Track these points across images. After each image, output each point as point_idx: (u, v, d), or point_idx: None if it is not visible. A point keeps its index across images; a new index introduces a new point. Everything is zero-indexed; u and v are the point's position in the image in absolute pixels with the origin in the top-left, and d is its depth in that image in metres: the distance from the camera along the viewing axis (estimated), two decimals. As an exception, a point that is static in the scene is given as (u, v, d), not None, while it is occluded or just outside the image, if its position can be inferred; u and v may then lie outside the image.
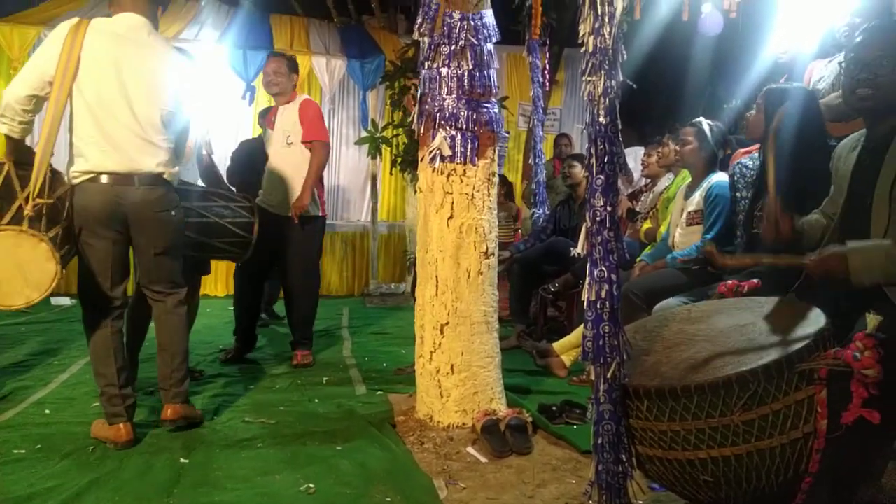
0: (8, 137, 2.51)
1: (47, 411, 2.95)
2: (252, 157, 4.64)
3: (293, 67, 4.04)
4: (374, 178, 7.43)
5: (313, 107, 4.01)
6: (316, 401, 3.22)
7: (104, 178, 2.51)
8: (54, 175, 2.53)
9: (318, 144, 3.89)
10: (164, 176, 2.63)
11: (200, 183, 3.67)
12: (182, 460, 2.43)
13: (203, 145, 3.77)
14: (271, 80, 3.95)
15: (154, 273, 2.70)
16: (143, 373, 3.38)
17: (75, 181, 2.53)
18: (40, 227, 2.36)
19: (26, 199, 2.39)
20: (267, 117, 4.16)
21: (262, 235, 3.46)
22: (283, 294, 4.16)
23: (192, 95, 2.78)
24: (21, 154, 2.52)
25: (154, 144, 2.59)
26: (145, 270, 2.70)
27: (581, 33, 1.83)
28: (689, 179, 3.59)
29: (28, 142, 2.62)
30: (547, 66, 5.70)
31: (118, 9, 2.63)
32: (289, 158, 3.90)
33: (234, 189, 4.04)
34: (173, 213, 2.68)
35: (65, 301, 5.92)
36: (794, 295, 2.00)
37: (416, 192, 5.84)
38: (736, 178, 3.09)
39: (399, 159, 6.28)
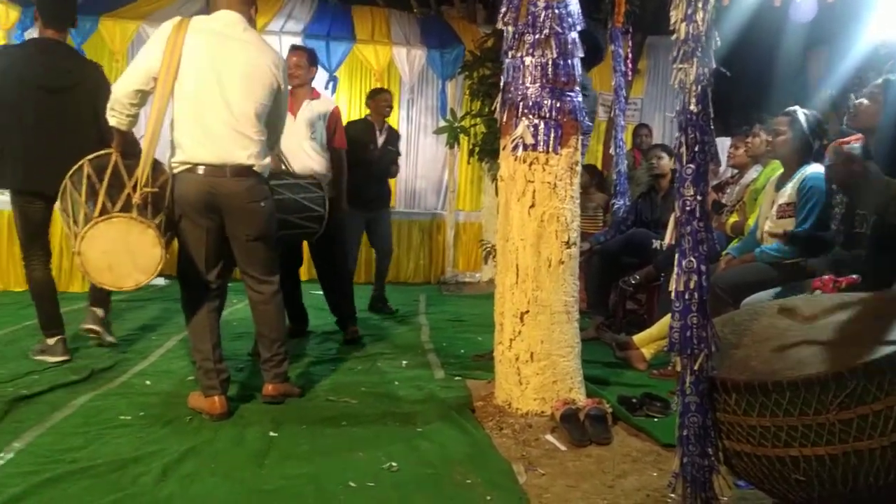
0: (116, 130, 2.68)
1: (148, 382, 3.14)
2: (356, 140, 4.72)
3: (313, 61, 4.20)
4: (451, 168, 7.48)
5: (341, 116, 4.34)
6: (396, 383, 3.30)
7: (199, 169, 2.63)
8: (156, 165, 2.69)
9: (343, 152, 4.27)
10: (255, 168, 2.71)
11: None
12: (271, 433, 2.55)
13: None
14: (292, 72, 3.95)
15: (248, 259, 2.82)
16: (232, 349, 3.56)
17: (174, 171, 2.67)
18: (147, 215, 2.53)
19: (134, 188, 2.56)
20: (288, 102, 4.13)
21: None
22: (321, 276, 4.35)
23: (285, 92, 2.88)
24: (128, 145, 2.71)
25: (247, 137, 2.67)
26: (240, 257, 2.83)
27: (672, 20, 1.81)
28: (780, 171, 3.46)
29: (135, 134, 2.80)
30: (629, 55, 5.60)
31: (215, 7, 2.75)
32: (311, 151, 4.02)
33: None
34: (262, 203, 2.76)
35: (159, 281, 6.23)
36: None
37: (493, 181, 5.89)
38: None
39: (477, 149, 6.30)
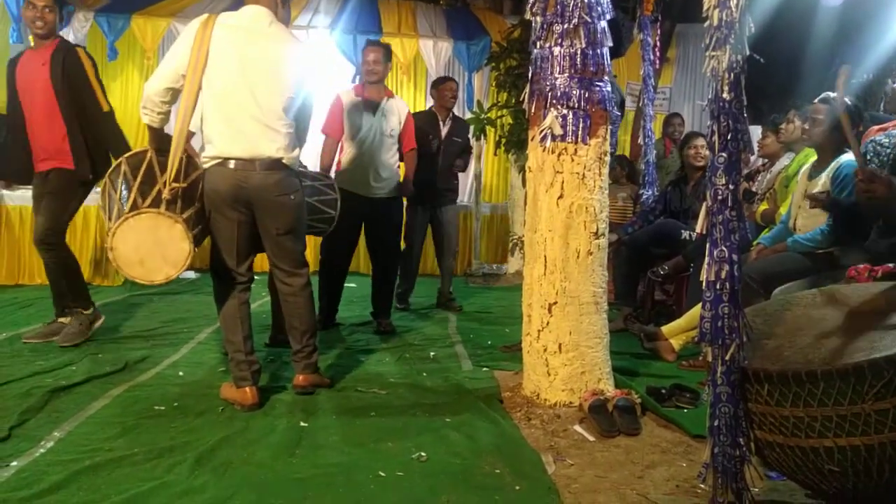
0: (149, 127, 2.75)
1: (181, 373, 3.20)
2: (417, 132, 4.67)
3: (389, 56, 4.25)
4: (477, 160, 7.46)
5: (412, 119, 4.46)
6: (424, 374, 3.32)
7: (230, 164, 2.67)
8: (189, 160, 2.74)
9: (414, 153, 4.44)
10: (284, 160, 2.73)
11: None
12: (302, 424, 2.58)
13: None
14: (372, 69, 4.12)
15: (277, 252, 2.86)
16: (262, 341, 3.60)
17: (206, 165, 2.72)
18: (176, 209, 2.58)
19: (164, 184, 2.62)
20: (363, 94, 4.15)
21: (354, 214, 3.82)
22: (374, 267, 4.42)
23: (312, 82, 2.91)
24: (161, 142, 2.76)
25: (275, 130, 2.70)
26: (270, 250, 2.86)
27: (705, 7, 1.79)
28: (813, 158, 3.40)
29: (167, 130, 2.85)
30: (658, 44, 5.53)
31: (243, 2, 2.79)
32: (388, 148, 4.20)
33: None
34: (292, 196, 2.78)
35: (190, 275, 6.33)
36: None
37: (519, 172, 5.86)
38: (870, 157, 2.90)
39: (504, 140, 6.28)
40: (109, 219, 2.65)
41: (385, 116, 4.15)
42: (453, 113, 5.12)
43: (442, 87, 5.09)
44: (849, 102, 3.13)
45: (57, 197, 3.58)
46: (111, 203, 2.69)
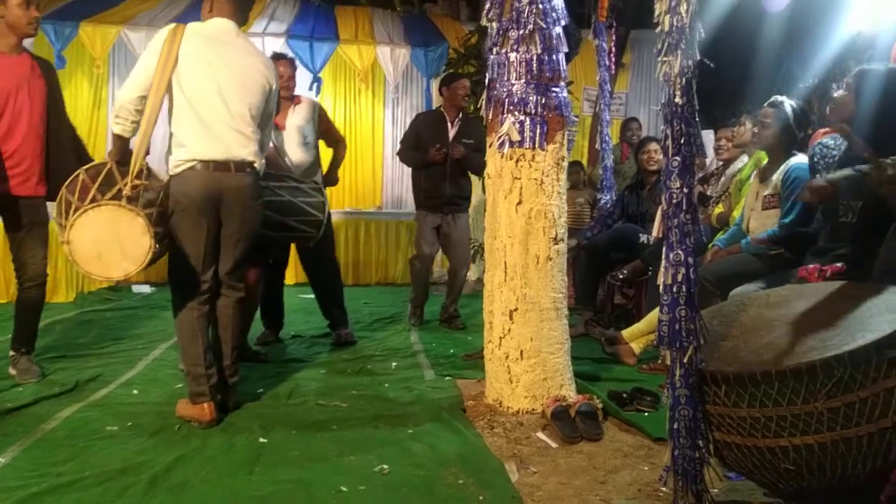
0: (119, 137, 2.70)
1: (135, 391, 3.11)
2: (423, 134, 4.61)
3: (295, 67, 4.17)
4: (437, 166, 7.46)
5: (326, 112, 4.30)
6: (386, 385, 3.28)
7: (207, 166, 2.68)
8: (150, 172, 2.71)
9: (344, 142, 4.31)
10: (255, 165, 2.80)
11: None
12: (261, 440, 2.52)
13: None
14: (286, 84, 3.95)
15: (229, 259, 2.80)
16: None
17: (177, 169, 2.69)
18: (137, 205, 2.52)
19: (125, 184, 2.58)
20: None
21: None
22: (313, 280, 4.28)
23: (276, 94, 2.94)
24: (125, 154, 2.70)
25: (245, 135, 2.75)
26: (223, 256, 2.81)
27: (657, 12, 1.80)
28: (765, 161, 3.47)
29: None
30: (613, 49, 5.61)
31: (208, 16, 2.81)
32: (305, 156, 4.01)
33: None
34: (259, 201, 2.85)
35: (145, 289, 6.20)
36: (879, 280, 1.92)
37: (479, 179, 5.88)
38: (816, 160, 2.97)
39: (462, 147, 6.27)
40: (63, 226, 2.55)
41: (295, 127, 4.00)
42: (463, 113, 4.73)
43: (455, 84, 4.62)
44: (794, 106, 3.21)
45: (45, 226, 3.33)
46: (68, 209, 2.58)
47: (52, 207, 3.00)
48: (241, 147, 2.73)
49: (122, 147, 2.71)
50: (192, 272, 2.71)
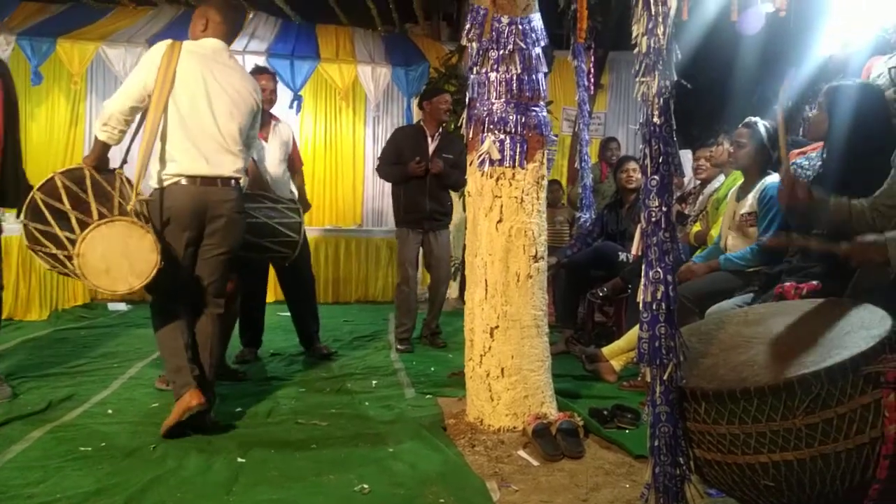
0: (103, 145, 2.75)
1: (110, 411, 3.05)
2: (402, 149, 4.61)
3: (276, 81, 4.29)
4: (418, 184, 7.48)
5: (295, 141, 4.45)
6: (366, 404, 3.26)
7: (195, 180, 2.74)
8: (130, 183, 2.74)
9: (301, 170, 4.47)
10: (241, 181, 2.89)
11: None
12: (239, 460, 2.49)
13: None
14: (269, 97, 4.04)
15: (209, 275, 2.85)
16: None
17: (165, 183, 2.74)
18: (142, 220, 2.59)
19: (122, 196, 2.64)
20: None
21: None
22: (290, 296, 4.28)
23: (259, 111, 3.02)
24: (104, 161, 2.78)
25: (232, 154, 2.83)
26: (202, 272, 2.84)
27: (634, 34, 1.83)
28: (741, 181, 3.53)
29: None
30: (592, 70, 5.68)
31: (198, 34, 2.87)
32: (282, 172, 4.12)
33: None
34: (243, 216, 2.93)
35: (121, 307, 6.11)
36: (855, 297, 1.95)
37: (460, 197, 5.90)
38: (791, 180, 3.02)
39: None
40: (65, 229, 2.56)
41: (278, 143, 4.10)
42: (443, 128, 4.71)
43: (436, 99, 4.59)
44: (768, 126, 3.27)
45: None
46: (57, 216, 2.60)
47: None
48: (230, 165, 2.82)
49: (101, 154, 2.77)
50: (174, 282, 2.72)
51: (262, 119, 4.03)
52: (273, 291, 6.64)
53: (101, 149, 2.76)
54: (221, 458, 2.50)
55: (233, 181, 2.84)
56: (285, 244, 3.47)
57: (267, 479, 2.33)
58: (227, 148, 2.81)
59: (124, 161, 2.91)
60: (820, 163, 2.88)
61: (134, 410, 3.07)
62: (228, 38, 2.93)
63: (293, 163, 4.36)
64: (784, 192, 2.15)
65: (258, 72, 4.17)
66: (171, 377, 2.76)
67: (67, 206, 2.60)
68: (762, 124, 3.28)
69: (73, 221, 2.57)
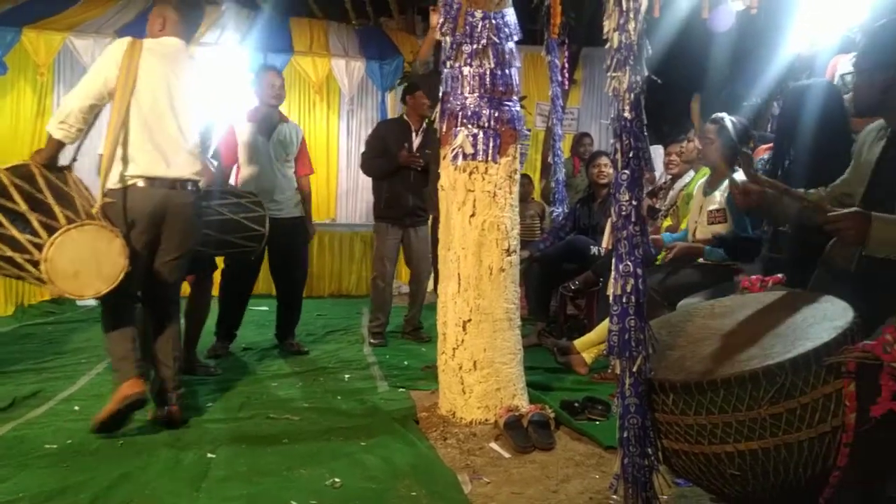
0: (58, 143, 2.67)
1: (76, 407, 3.00)
2: (386, 143, 4.59)
3: (283, 78, 4.34)
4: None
5: (307, 144, 4.46)
6: (339, 398, 3.25)
7: (154, 182, 2.70)
8: (82, 183, 2.70)
9: (308, 178, 4.42)
10: (200, 183, 2.87)
11: None
12: (209, 455, 2.46)
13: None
14: (278, 93, 4.17)
15: (164, 278, 2.81)
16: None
17: (119, 184, 2.67)
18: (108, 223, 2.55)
19: (81, 197, 2.58)
20: (256, 121, 4.14)
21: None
22: (281, 289, 4.29)
23: (218, 110, 3.02)
24: (55, 159, 2.69)
25: (192, 154, 2.81)
26: (157, 274, 2.79)
27: (606, 30, 1.85)
28: (708, 175, 3.57)
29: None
30: (566, 66, 5.70)
31: (156, 32, 2.82)
32: (286, 169, 4.20)
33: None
34: (200, 218, 2.91)
35: (91, 302, 5.98)
36: (818, 289, 1.99)
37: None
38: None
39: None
40: (25, 231, 2.47)
41: (279, 142, 4.14)
42: (427, 122, 4.63)
43: (419, 93, 4.55)
44: (735, 122, 3.31)
45: None
46: (11, 217, 2.50)
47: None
48: (189, 166, 2.79)
49: (54, 153, 2.68)
50: (129, 285, 2.62)
51: (266, 114, 4.14)
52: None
53: (55, 147, 2.67)
54: (191, 453, 2.48)
55: (190, 183, 2.80)
56: (251, 238, 3.45)
57: (237, 474, 2.31)
58: (186, 149, 2.78)
59: (74, 159, 2.80)
60: (788, 161, 2.93)
61: (101, 406, 2.98)
62: (186, 37, 2.90)
63: (298, 167, 4.29)
64: (737, 198, 2.18)
65: (266, 70, 4.26)
66: (116, 367, 2.69)
67: (24, 206, 2.50)
68: (729, 120, 3.32)
69: (36, 224, 2.48)
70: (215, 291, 3.98)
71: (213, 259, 3.71)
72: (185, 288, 3.63)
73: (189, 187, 2.80)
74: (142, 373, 2.68)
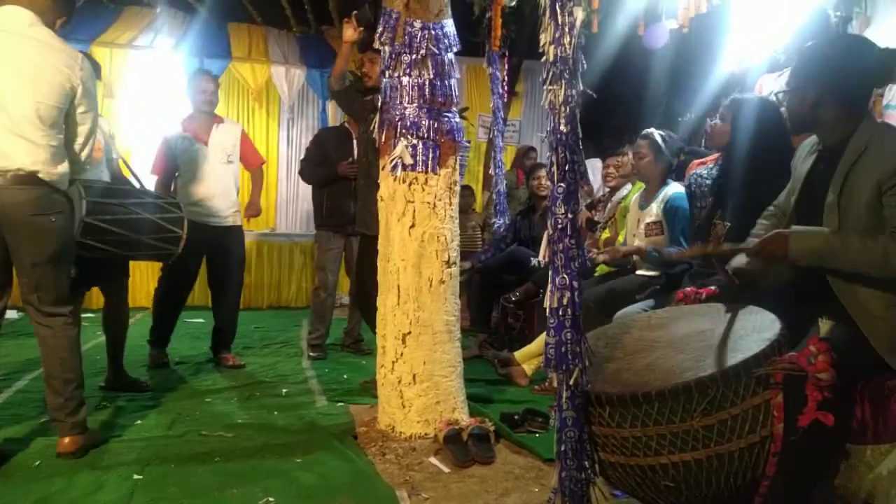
0: None
1: (-10, 428, 2.83)
2: (328, 151, 4.51)
3: (218, 84, 4.27)
4: (330, 188, 7.38)
5: (248, 136, 4.48)
6: (275, 413, 3.16)
7: None
8: None
9: (261, 167, 4.45)
10: (41, 175, 2.37)
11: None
12: (135, 476, 2.35)
13: (112, 149, 3.68)
14: (210, 99, 4.12)
15: (33, 286, 2.45)
16: (93, 385, 3.28)
17: None
18: None
19: None
20: (191, 128, 4.10)
21: (198, 243, 3.60)
22: (216, 301, 4.22)
23: (90, 94, 2.54)
24: None
25: (30, 141, 2.36)
26: (25, 284, 2.46)
27: (542, 42, 1.86)
28: (643, 189, 3.65)
29: None
30: (506, 78, 5.76)
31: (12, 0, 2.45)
32: (227, 174, 4.13)
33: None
34: (53, 218, 2.42)
35: (12, 314, 5.69)
36: (749, 301, 2.04)
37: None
38: (693, 189, 3.15)
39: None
40: None
41: (218, 144, 4.09)
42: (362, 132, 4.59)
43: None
44: (663, 135, 3.40)
45: None
46: None
47: None
48: (23, 155, 2.35)
49: None
50: None
51: (200, 120, 4.07)
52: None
53: None
54: (115, 474, 2.36)
55: (30, 177, 2.35)
56: (168, 240, 3.31)
57: (165, 495, 2.21)
58: (21, 135, 2.34)
59: None
60: (718, 172, 3.01)
61: (20, 427, 2.85)
62: (40, 7, 2.44)
63: (247, 161, 4.27)
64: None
65: (199, 75, 4.19)
66: None
67: None
68: (657, 134, 3.41)
69: None
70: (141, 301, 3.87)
71: (126, 264, 3.51)
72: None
73: (28, 181, 2.35)
74: None
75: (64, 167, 2.47)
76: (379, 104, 2.87)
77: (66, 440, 2.50)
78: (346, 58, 3.70)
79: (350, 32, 3.57)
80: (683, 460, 1.65)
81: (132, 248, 3.19)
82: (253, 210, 4.38)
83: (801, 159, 2.06)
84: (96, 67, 3.41)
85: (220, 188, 4.06)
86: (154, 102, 6.54)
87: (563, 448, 1.79)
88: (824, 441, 1.57)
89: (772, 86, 3.32)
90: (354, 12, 3.62)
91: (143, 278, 6.13)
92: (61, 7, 2.53)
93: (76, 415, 2.52)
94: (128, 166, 3.74)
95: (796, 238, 1.80)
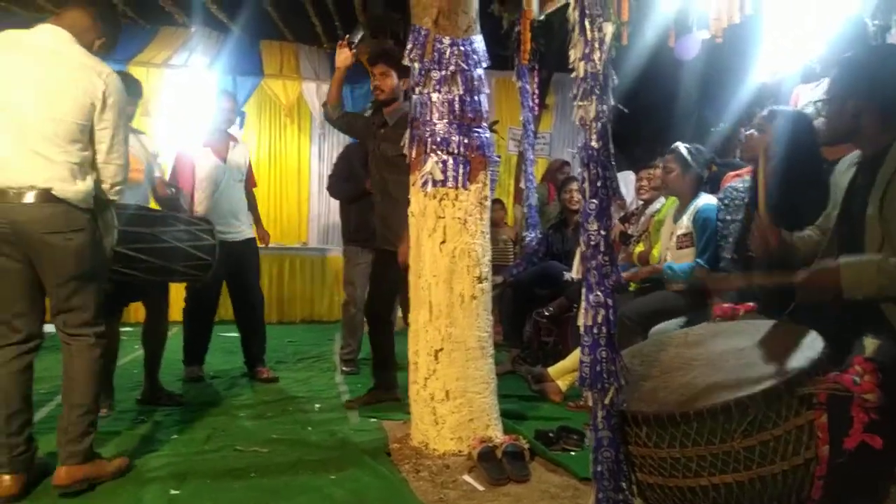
0: None
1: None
2: (355, 167, 4.55)
3: (236, 102, 4.45)
4: (362, 203, 7.43)
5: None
6: (309, 429, 3.17)
7: None
8: None
9: (253, 192, 4.57)
10: (55, 192, 2.27)
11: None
12: (173, 491, 2.38)
13: (154, 168, 3.75)
14: (230, 117, 4.30)
15: (58, 305, 2.37)
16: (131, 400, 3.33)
17: None
18: None
19: None
20: (212, 145, 4.19)
21: (220, 261, 3.58)
22: (240, 314, 4.30)
23: (113, 111, 2.41)
24: None
25: (43, 157, 2.27)
26: (52, 301, 2.38)
27: (571, 59, 1.85)
28: (677, 202, 3.61)
29: None
30: (536, 91, 5.75)
31: (53, 21, 2.41)
32: (241, 191, 4.33)
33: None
34: (69, 236, 2.31)
35: (49, 328, 5.83)
36: (789, 318, 1.99)
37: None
38: (726, 203, 3.11)
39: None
40: None
41: (234, 163, 4.23)
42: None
43: None
44: (689, 148, 3.36)
45: None
46: None
47: None
48: (37, 171, 2.26)
49: None
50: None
51: (220, 138, 4.20)
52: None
53: None
54: (153, 489, 2.39)
55: (42, 193, 2.26)
56: (198, 267, 3.33)
57: (201, 512, 2.23)
58: (38, 152, 2.26)
59: None
60: (750, 184, 2.95)
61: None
62: (75, 29, 2.39)
63: (246, 184, 4.42)
64: (756, 241, 2.15)
65: (222, 94, 4.36)
66: None
67: None
68: (683, 147, 3.39)
69: None
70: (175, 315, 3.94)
71: (165, 283, 3.59)
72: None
73: (43, 199, 2.25)
74: (20, 466, 2.29)
75: (86, 185, 2.36)
76: (387, 118, 2.86)
77: (62, 471, 2.31)
78: (340, 83, 3.65)
79: (344, 56, 3.54)
80: (725, 482, 1.61)
81: (162, 274, 3.23)
82: (265, 238, 4.59)
83: (840, 173, 2.01)
84: (137, 86, 3.50)
85: (237, 205, 4.23)
86: (189, 120, 6.67)
87: (599, 468, 1.76)
88: (872, 464, 1.52)
89: (808, 96, 3.25)
90: (346, 35, 3.64)
91: (180, 292, 6.23)
92: (102, 28, 2.49)
93: (77, 443, 2.33)
94: (170, 186, 3.81)
95: (847, 270, 1.72)
